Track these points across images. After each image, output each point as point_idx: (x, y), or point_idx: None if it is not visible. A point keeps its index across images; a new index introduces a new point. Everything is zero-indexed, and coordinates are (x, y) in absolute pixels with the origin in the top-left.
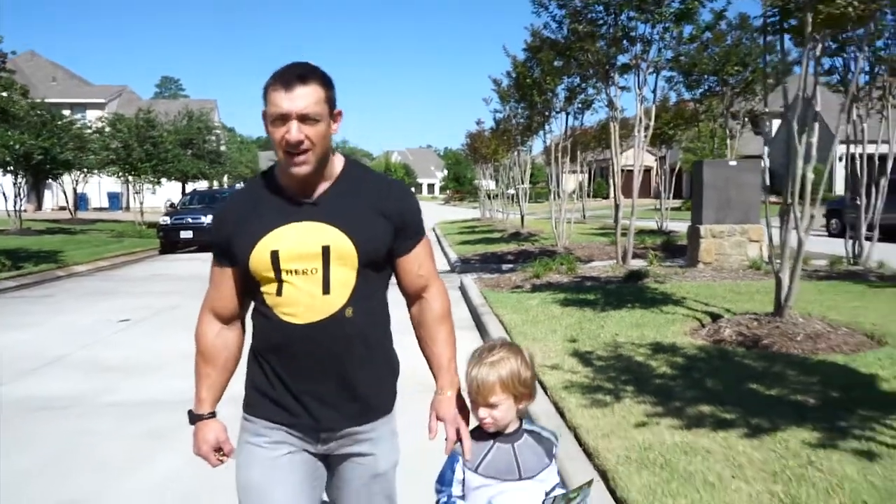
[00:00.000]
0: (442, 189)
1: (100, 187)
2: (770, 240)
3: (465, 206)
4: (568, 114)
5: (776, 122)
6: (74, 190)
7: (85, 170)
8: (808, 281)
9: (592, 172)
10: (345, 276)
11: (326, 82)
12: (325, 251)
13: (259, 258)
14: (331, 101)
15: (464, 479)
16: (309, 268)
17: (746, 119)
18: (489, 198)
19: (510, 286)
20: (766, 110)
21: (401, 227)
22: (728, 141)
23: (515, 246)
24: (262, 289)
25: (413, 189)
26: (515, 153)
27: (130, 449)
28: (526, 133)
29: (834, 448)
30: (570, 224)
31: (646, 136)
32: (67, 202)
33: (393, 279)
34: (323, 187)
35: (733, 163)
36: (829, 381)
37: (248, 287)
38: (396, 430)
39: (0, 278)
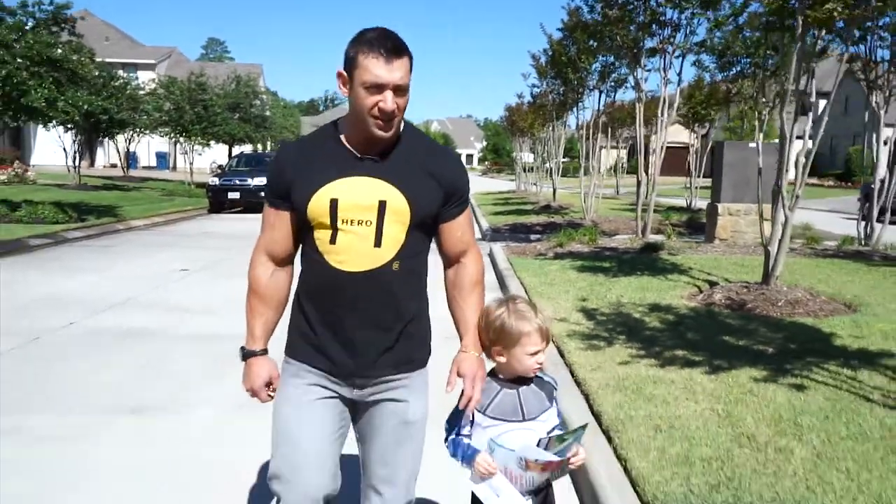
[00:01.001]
0: (481, 160)
1: (149, 147)
2: (760, 216)
3: (502, 178)
4: (601, 91)
5: (822, 103)
6: (127, 149)
7: (138, 130)
8: (811, 258)
9: (630, 149)
10: (396, 232)
11: (410, 53)
12: (382, 206)
13: (318, 205)
14: (412, 71)
15: (472, 420)
16: (364, 219)
17: (777, 100)
18: (525, 171)
19: (535, 253)
20: (789, 95)
21: (451, 194)
22: (756, 123)
23: (545, 218)
24: (316, 235)
25: None
26: (551, 128)
27: (204, 366)
28: (561, 109)
29: (773, 382)
30: (599, 199)
31: (669, 117)
32: (120, 160)
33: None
34: (387, 148)
35: (752, 144)
36: (791, 337)
37: (302, 230)
38: (428, 386)
39: (68, 229)
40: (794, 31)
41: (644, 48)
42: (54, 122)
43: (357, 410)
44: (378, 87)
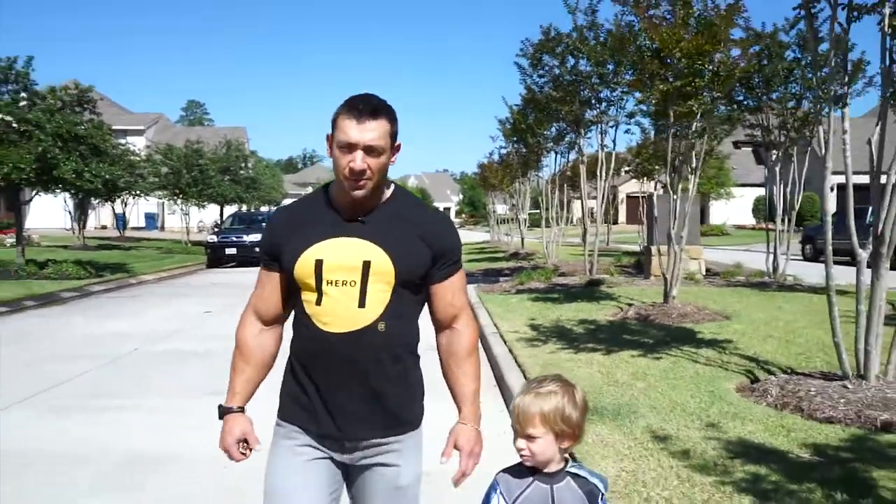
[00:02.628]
0: (457, 213)
1: (138, 208)
2: (648, 252)
3: (479, 230)
4: (557, 153)
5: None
6: (123, 212)
7: (136, 193)
8: (721, 287)
9: (604, 198)
10: (381, 293)
11: (393, 117)
12: (366, 266)
13: (304, 265)
14: (394, 135)
15: None
16: (349, 279)
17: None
18: (497, 223)
19: (500, 291)
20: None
21: (439, 255)
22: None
23: (513, 263)
24: (303, 296)
25: None
26: (517, 183)
27: None
28: (524, 167)
29: (643, 357)
30: (559, 246)
31: (609, 175)
32: (114, 222)
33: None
34: (372, 209)
35: (675, 197)
36: (669, 334)
37: (291, 293)
38: (422, 447)
39: (90, 283)
40: (668, 118)
41: (583, 120)
42: (81, 190)
43: (349, 474)
44: (349, 147)
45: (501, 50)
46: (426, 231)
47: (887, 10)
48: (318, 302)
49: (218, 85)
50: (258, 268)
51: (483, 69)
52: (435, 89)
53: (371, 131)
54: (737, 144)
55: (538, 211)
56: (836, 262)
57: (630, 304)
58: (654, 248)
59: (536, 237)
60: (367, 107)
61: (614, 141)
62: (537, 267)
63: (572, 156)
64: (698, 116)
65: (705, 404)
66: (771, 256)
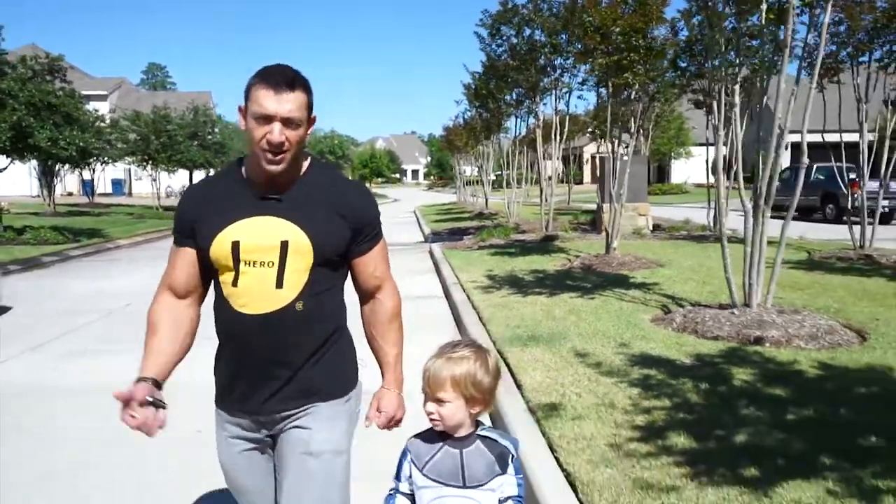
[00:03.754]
0: (426, 175)
1: (104, 175)
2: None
3: (447, 192)
4: (517, 117)
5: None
6: (90, 177)
7: (104, 160)
8: (664, 241)
9: (564, 160)
10: (298, 272)
11: (308, 88)
12: (284, 246)
13: (220, 247)
14: (310, 107)
15: (411, 476)
16: (266, 260)
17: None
18: (464, 185)
19: (464, 247)
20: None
21: (358, 230)
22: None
23: (478, 222)
24: (221, 278)
25: (398, 175)
26: (481, 146)
27: None
28: (487, 131)
29: (580, 298)
30: (521, 205)
31: (561, 138)
32: (83, 188)
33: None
34: (288, 185)
35: (626, 157)
36: (605, 280)
37: (206, 270)
38: (345, 419)
39: (68, 248)
40: (608, 88)
41: (539, 86)
42: (55, 158)
43: (274, 445)
44: (266, 119)
45: (470, 11)
46: (344, 205)
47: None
48: (235, 283)
49: (180, 47)
50: None
51: (451, 32)
52: (403, 51)
53: (289, 102)
54: (698, 105)
55: (511, 171)
56: (776, 217)
57: (577, 256)
58: (605, 206)
59: (502, 198)
60: (284, 78)
61: (567, 105)
62: (499, 225)
63: (532, 120)
64: (635, 87)
65: (621, 330)
66: (712, 212)
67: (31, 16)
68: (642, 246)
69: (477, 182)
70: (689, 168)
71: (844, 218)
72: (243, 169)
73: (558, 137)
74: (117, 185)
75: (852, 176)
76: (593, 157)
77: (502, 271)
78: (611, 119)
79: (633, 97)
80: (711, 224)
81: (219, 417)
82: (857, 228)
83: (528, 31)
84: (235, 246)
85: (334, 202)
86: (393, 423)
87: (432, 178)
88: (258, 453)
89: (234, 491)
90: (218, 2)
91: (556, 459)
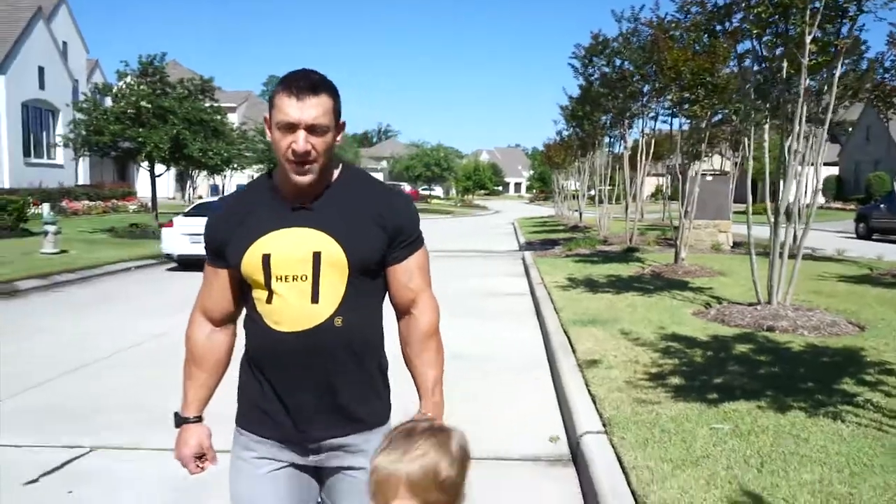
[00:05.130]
0: (528, 188)
1: (230, 180)
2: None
3: (547, 206)
4: (611, 137)
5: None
6: (223, 183)
7: (238, 167)
8: (737, 254)
9: (671, 177)
10: (335, 285)
11: (334, 93)
12: (316, 257)
13: (251, 261)
14: (337, 112)
15: None
16: (299, 274)
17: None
18: (564, 199)
19: (552, 255)
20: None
21: (395, 235)
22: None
23: (570, 234)
24: (254, 294)
25: (500, 187)
26: (578, 163)
27: None
28: (583, 149)
29: (641, 296)
30: (611, 219)
31: (646, 158)
32: (210, 192)
33: None
34: (319, 193)
35: (709, 178)
36: (669, 284)
37: (242, 290)
38: None
39: None
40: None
41: (628, 111)
42: (205, 167)
43: (321, 478)
44: (290, 127)
45: (572, 25)
46: (379, 210)
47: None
48: (269, 300)
49: (296, 57)
50: None
51: (557, 46)
52: (509, 64)
53: (312, 108)
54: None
55: (610, 187)
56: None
57: (651, 265)
58: (687, 223)
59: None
60: (306, 83)
61: (654, 129)
62: (588, 238)
63: (629, 140)
64: (704, 116)
65: (664, 319)
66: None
67: (158, 30)
68: (714, 259)
69: (574, 197)
70: (818, 186)
71: None
72: (274, 180)
73: (644, 158)
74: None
75: None
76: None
77: (581, 275)
78: (679, 144)
79: (703, 125)
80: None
81: (242, 438)
82: None
83: (618, 62)
84: (266, 259)
85: (368, 208)
86: None
87: (534, 191)
88: (289, 476)
89: None
90: (327, 15)
91: (588, 389)
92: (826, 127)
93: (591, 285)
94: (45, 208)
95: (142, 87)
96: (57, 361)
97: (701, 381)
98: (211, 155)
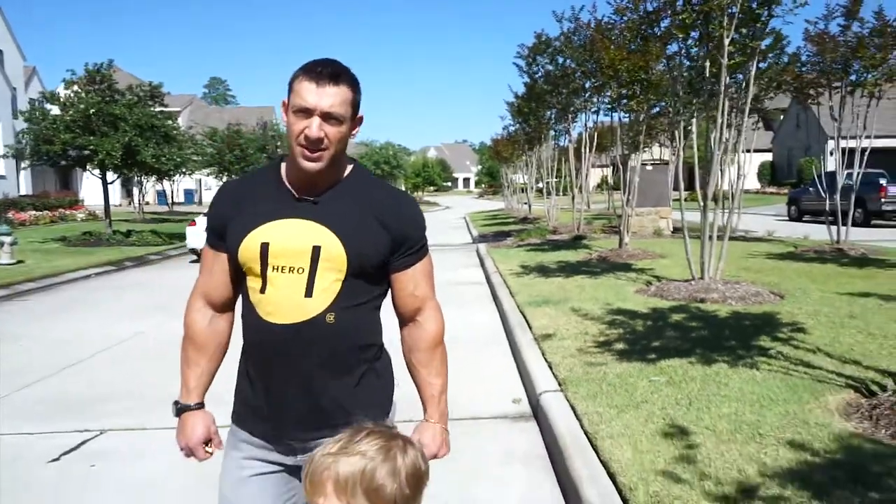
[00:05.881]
0: (477, 183)
1: (177, 185)
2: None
3: (497, 199)
4: (556, 131)
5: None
6: (171, 188)
7: (185, 171)
8: (677, 239)
9: (613, 168)
10: (331, 281)
11: (355, 85)
12: (315, 251)
13: (249, 248)
14: (355, 105)
15: None
16: (296, 266)
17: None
18: (513, 192)
19: (504, 246)
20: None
21: (400, 242)
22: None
23: (521, 226)
24: (249, 283)
25: (449, 183)
26: (525, 157)
27: None
28: (529, 143)
29: (588, 278)
30: (559, 210)
31: (590, 152)
32: (157, 198)
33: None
34: (327, 187)
35: (649, 168)
36: (614, 267)
37: (239, 275)
38: None
39: (168, 249)
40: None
41: (571, 107)
42: (158, 172)
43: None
44: (305, 112)
45: (519, 24)
46: (386, 214)
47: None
48: (263, 289)
49: (239, 62)
50: None
51: (500, 43)
52: (455, 62)
53: (330, 97)
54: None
55: (557, 179)
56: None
57: (597, 251)
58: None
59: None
60: (328, 71)
61: (596, 123)
62: (538, 228)
63: (574, 134)
64: (641, 111)
65: (611, 296)
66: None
67: (96, 32)
68: (655, 243)
69: (523, 190)
70: (746, 173)
71: (873, 221)
72: (282, 168)
73: (588, 150)
74: (189, 194)
75: (882, 181)
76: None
77: (533, 262)
78: (620, 137)
79: (641, 118)
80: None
81: (233, 437)
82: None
83: (560, 60)
84: (264, 248)
85: (376, 210)
86: (433, 459)
87: (483, 186)
88: (276, 480)
89: None
90: (271, 18)
91: (544, 357)
92: (746, 118)
93: (543, 271)
94: None
95: (90, 94)
96: (48, 360)
97: (641, 346)
98: (164, 160)
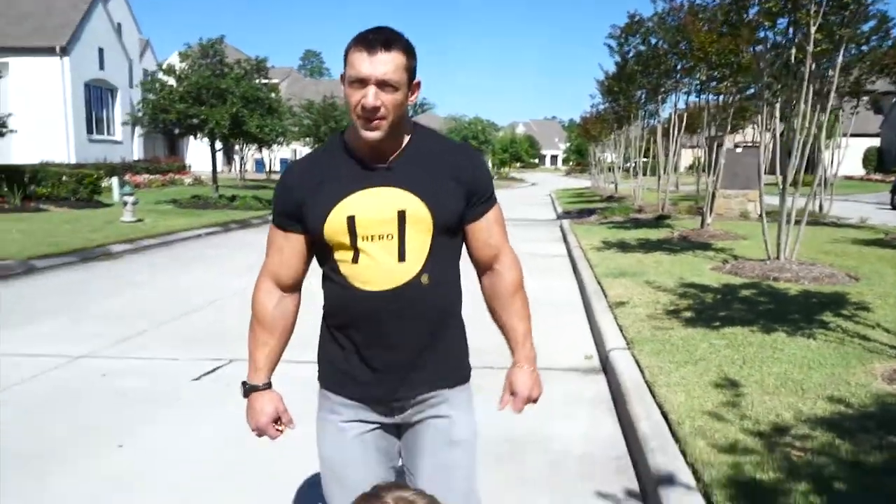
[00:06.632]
0: (565, 161)
1: (275, 154)
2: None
3: (584, 178)
4: (646, 111)
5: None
6: (268, 156)
7: (284, 141)
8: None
9: (708, 148)
10: (420, 243)
11: (409, 50)
12: (401, 216)
13: (335, 224)
14: (411, 70)
15: None
16: (385, 233)
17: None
18: (600, 171)
19: (588, 223)
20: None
21: (472, 192)
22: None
23: (606, 204)
24: (336, 256)
25: (537, 160)
26: (614, 135)
27: None
28: (619, 122)
29: (667, 254)
30: (645, 189)
31: (678, 132)
32: (256, 165)
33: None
34: (396, 153)
35: (739, 150)
36: (694, 246)
37: (315, 253)
38: (472, 401)
39: (269, 213)
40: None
41: (661, 88)
42: (262, 142)
43: (401, 433)
44: (361, 82)
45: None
46: (456, 168)
47: None
48: (355, 260)
49: (332, 35)
50: None
51: (594, 15)
52: (544, 37)
53: (384, 64)
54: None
55: (646, 160)
56: None
57: (679, 230)
58: (718, 192)
59: (641, 185)
60: (379, 38)
61: (687, 104)
62: (623, 207)
63: (662, 115)
64: (733, 93)
65: (686, 272)
66: (818, 200)
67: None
68: (740, 225)
69: (610, 169)
70: (841, 159)
71: None
72: (346, 141)
73: (676, 132)
74: (284, 163)
75: None
76: (737, 146)
77: (615, 239)
78: (707, 119)
79: (730, 101)
80: (817, 210)
81: (327, 402)
82: None
83: (653, 41)
84: (351, 221)
85: (445, 166)
86: (528, 403)
87: (571, 163)
88: (376, 437)
89: (339, 486)
90: None
91: (616, 321)
92: (829, 104)
93: (623, 247)
94: (115, 182)
95: (202, 67)
96: (179, 304)
97: (708, 315)
98: (267, 131)
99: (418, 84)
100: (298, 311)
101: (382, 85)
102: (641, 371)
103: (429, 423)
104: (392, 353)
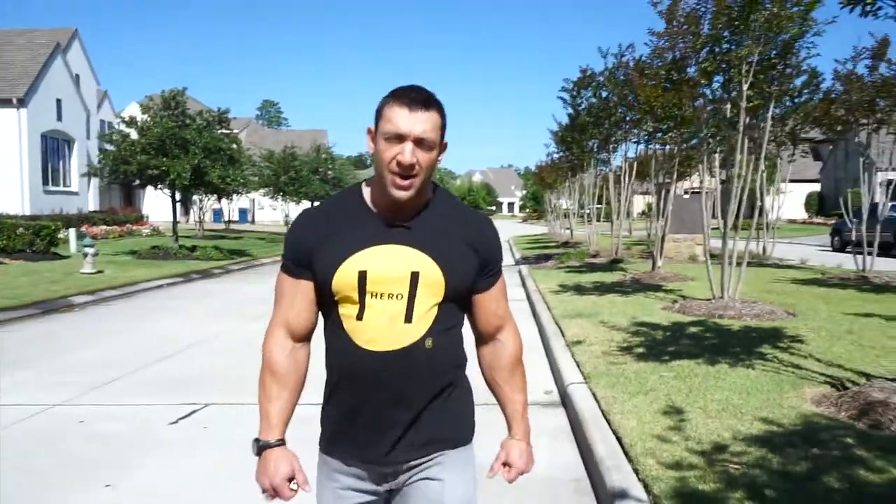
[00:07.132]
0: (521, 208)
1: (234, 204)
2: (672, 241)
3: (541, 224)
4: (598, 160)
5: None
6: (226, 206)
7: (242, 191)
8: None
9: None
10: (429, 306)
11: (443, 111)
12: (414, 277)
13: (345, 277)
14: (443, 130)
15: None
16: (395, 292)
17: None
18: (556, 217)
19: (545, 268)
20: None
21: (486, 263)
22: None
23: (562, 250)
24: (341, 310)
25: (494, 207)
26: (568, 183)
27: None
28: (572, 170)
29: (620, 296)
30: (599, 235)
31: (629, 181)
32: (213, 216)
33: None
34: (415, 212)
35: (687, 196)
36: (645, 288)
37: (324, 305)
38: (472, 466)
39: (228, 264)
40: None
41: (612, 138)
42: (223, 192)
43: (389, 499)
44: (398, 138)
45: (565, 49)
46: (474, 236)
47: None
48: (360, 316)
49: (289, 86)
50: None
51: (547, 68)
52: (501, 86)
53: (423, 122)
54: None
55: (600, 206)
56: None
57: (632, 273)
58: (668, 237)
59: (593, 231)
60: (419, 96)
61: (637, 152)
62: (578, 252)
63: (614, 164)
64: (678, 143)
65: (639, 311)
66: (761, 242)
67: (152, 55)
68: (688, 268)
69: (566, 215)
70: (782, 204)
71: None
72: (366, 194)
73: (627, 179)
74: (243, 213)
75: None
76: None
77: (571, 282)
78: (655, 167)
79: (675, 151)
80: (761, 252)
81: (326, 467)
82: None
83: (604, 93)
84: (362, 276)
85: (464, 233)
86: (521, 475)
87: (528, 210)
88: None
89: None
90: (328, 45)
91: (573, 358)
92: (763, 155)
93: (579, 290)
94: (72, 233)
95: (164, 119)
96: (148, 352)
97: (658, 350)
98: (229, 181)
99: (446, 145)
100: (309, 363)
101: (419, 143)
102: (598, 402)
103: (418, 485)
104: (391, 414)
